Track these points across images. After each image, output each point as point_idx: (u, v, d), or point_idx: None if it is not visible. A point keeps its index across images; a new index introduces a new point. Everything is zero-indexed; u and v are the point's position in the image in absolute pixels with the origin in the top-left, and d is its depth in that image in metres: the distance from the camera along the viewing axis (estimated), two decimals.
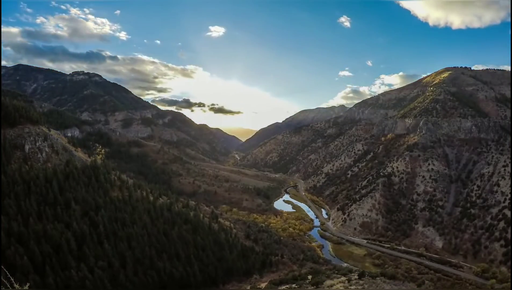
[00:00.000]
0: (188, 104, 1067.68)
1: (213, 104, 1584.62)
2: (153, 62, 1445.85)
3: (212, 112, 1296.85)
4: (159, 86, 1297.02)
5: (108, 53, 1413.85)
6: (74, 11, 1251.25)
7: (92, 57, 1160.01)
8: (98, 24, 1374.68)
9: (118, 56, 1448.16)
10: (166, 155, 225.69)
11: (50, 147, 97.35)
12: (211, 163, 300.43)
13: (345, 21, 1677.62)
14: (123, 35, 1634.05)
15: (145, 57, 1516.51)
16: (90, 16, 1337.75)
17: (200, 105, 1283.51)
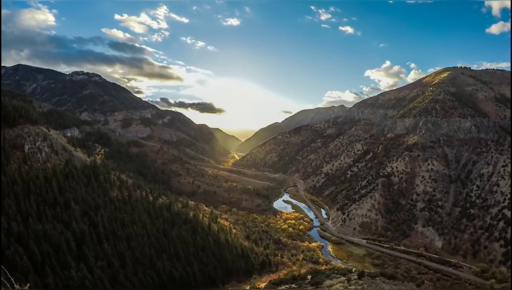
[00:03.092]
0: (167, 103, 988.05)
1: (193, 103, 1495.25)
2: (113, 59, 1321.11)
3: (197, 111, 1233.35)
4: (124, 86, 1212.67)
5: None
6: None
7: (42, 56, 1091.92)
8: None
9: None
10: (165, 155, 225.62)
11: (49, 147, 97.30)
12: (210, 163, 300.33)
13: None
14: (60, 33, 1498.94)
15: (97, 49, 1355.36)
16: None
17: (181, 104, 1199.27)
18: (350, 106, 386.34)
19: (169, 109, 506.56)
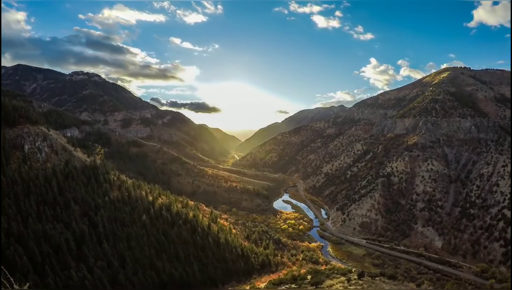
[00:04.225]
0: (159, 104, 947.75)
1: (186, 103, 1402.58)
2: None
3: (191, 111, 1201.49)
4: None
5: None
6: None
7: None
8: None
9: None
10: (165, 155, 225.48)
11: (49, 147, 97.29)
12: (210, 163, 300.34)
13: None
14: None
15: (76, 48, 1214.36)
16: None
17: (174, 104, 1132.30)
18: (345, 105, 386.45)
19: (169, 109, 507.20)
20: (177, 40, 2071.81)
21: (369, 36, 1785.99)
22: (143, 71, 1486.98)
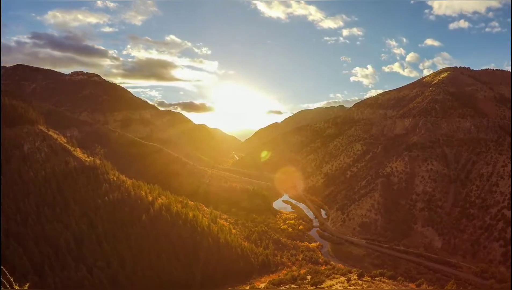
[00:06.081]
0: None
1: (172, 103, 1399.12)
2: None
3: (183, 111, 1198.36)
4: None
5: None
6: None
7: None
8: None
9: None
10: (165, 155, 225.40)
11: (49, 147, 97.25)
12: (210, 163, 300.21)
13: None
14: None
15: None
16: None
17: (161, 105, 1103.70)
18: (341, 104, 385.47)
19: (169, 109, 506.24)
20: (139, 37, 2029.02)
21: (332, 23, 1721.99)
22: (118, 71, 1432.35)
